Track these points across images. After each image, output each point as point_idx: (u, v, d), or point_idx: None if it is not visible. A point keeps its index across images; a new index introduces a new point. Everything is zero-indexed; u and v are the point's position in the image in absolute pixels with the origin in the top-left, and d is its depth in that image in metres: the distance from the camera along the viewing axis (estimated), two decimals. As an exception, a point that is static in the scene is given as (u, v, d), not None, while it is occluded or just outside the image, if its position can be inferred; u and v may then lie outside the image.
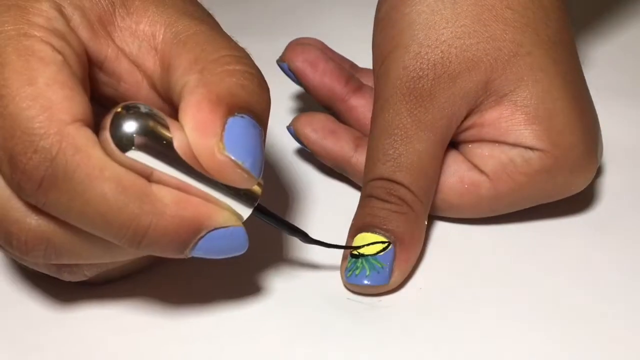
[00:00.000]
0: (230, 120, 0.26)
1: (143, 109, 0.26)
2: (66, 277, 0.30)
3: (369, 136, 0.35)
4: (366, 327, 0.31)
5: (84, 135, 0.26)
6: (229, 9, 0.54)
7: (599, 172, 0.39)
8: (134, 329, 0.31)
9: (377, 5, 0.37)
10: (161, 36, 0.28)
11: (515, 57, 0.34)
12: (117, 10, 0.28)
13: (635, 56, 0.49)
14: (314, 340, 0.31)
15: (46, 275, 0.30)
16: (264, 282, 0.33)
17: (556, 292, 0.33)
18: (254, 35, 0.51)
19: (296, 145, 0.40)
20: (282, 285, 0.33)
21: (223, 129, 0.26)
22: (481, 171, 0.34)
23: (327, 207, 0.37)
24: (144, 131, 0.26)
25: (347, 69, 0.39)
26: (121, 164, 0.26)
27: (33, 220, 0.27)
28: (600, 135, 0.36)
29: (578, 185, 0.35)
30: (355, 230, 0.33)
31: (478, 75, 0.34)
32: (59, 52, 0.26)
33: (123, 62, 0.29)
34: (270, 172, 0.40)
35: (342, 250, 0.33)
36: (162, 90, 0.29)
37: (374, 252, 0.32)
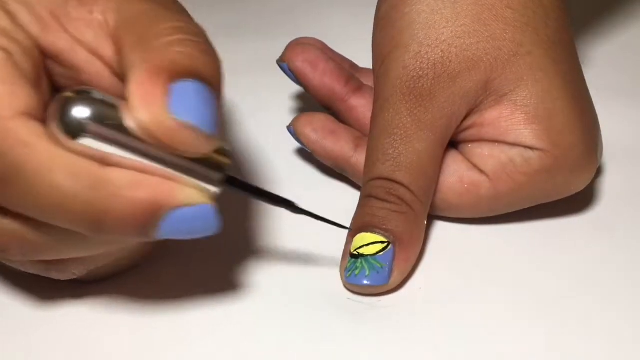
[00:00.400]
0: (174, 86, 0.25)
1: (93, 94, 0.26)
2: (55, 275, 0.30)
3: (369, 136, 0.35)
4: (366, 327, 0.31)
5: (29, 128, 0.25)
6: (228, 9, 0.54)
7: (598, 172, 0.39)
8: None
9: (377, 5, 0.37)
10: (112, 22, 0.28)
11: (515, 57, 0.34)
12: (68, 2, 0.28)
13: (635, 56, 0.49)
14: (314, 340, 0.31)
15: (33, 275, 0.30)
16: (263, 281, 0.33)
17: (556, 292, 0.33)
18: (254, 35, 0.51)
19: (296, 145, 0.40)
20: (281, 285, 0.33)
21: (166, 94, 0.25)
22: (481, 171, 0.34)
23: (327, 207, 0.37)
24: (94, 116, 0.25)
25: (347, 69, 0.39)
26: (73, 152, 0.25)
27: (4, 220, 0.27)
28: (600, 135, 0.36)
29: (578, 185, 0.35)
30: (354, 230, 0.33)
31: (478, 75, 0.34)
32: (2, 50, 0.26)
33: (80, 53, 0.28)
34: (270, 172, 0.40)
35: (342, 249, 0.33)
36: (123, 77, 0.28)
37: (374, 252, 0.32)
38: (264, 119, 0.43)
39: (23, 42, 0.27)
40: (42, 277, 0.30)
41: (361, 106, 0.38)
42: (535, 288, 0.33)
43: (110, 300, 0.32)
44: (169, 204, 0.26)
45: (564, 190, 0.35)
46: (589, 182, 0.35)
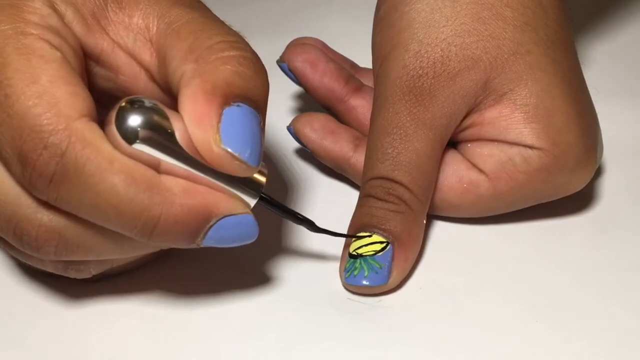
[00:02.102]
0: (227, 110, 0.26)
1: (147, 103, 0.27)
2: (73, 274, 0.30)
3: (368, 135, 0.35)
4: (366, 327, 0.31)
5: (92, 130, 0.26)
6: (229, 9, 0.54)
7: (598, 171, 0.39)
8: (136, 323, 0.31)
9: (377, 5, 0.37)
10: (155, 28, 0.29)
11: (514, 56, 0.34)
12: (109, 4, 0.29)
13: (635, 56, 0.49)
14: (314, 340, 0.31)
15: (45, 272, 0.30)
16: (263, 282, 0.33)
17: (556, 292, 0.33)
18: (254, 36, 0.51)
19: (296, 145, 0.40)
20: (281, 285, 0.33)
21: (219, 120, 0.26)
22: (480, 170, 0.34)
23: (327, 207, 0.37)
24: (148, 124, 0.26)
25: (347, 69, 0.39)
26: (129, 156, 0.26)
27: (44, 216, 0.27)
28: (600, 134, 0.36)
29: (577, 184, 0.35)
30: (353, 230, 0.33)
31: (477, 74, 0.34)
32: (57, 49, 0.26)
33: (120, 55, 0.29)
34: (271, 171, 0.40)
35: (341, 249, 0.33)
36: (161, 82, 0.29)
37: (372, 252, 0.32)
38: (264, 119, 0.43)
39: (72, 42, 0.27)
40: (49, 273, 0.30)
41: (361, 106, 0.38)
42: (536, 288, 0.33)
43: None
44: (219, 212, 0.27)
45: (563, 190, 0.35)
46: (589, 181, 0.35)
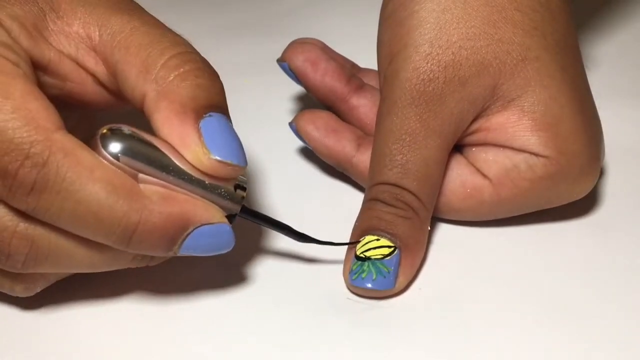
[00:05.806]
0: (202, 123, 0.28)
1: (124, 130, 0.28)
2: (18, 292, 0.30)
3: (375, 137, 0.35)
4: (366, 327, 0.31)
5: (71, 140, 0.27)
6: (229, 10, 0.54)
7: (599, 173, 0.39)
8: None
9: (383, 3, 0.37)
10: (97, 38, 0.30)
11: (523, 62, 0.33)
12: (47, 15, 0.29)
13: (635, 56, 0.49)
14: (313, 340, 0.31)
15: None
16: (262, 281, 0.33)
17: (557, 293, 0.33)
18: (255, 36, 0.51)
19: (297, 143, 0.40)
20: (281, 284, 0.33)
21: (200, 135, 0.28)
22: (484, 176, 0.34)
23: (328, 206, 0.37)
24: (126, 151, 0.27)
25: (348, 68, 0.39)
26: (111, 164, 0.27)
27: (21, 223, 0.27)
28: (603, 141, 0.36)
29: (580, 193, 0.35)
30: (360, 232, 0.33)
31: (487, 79, 0.33)
32: (16, 65, 0.27)
33: (66, 62, 0.30)
34: (270, 172, 0.40)
35: (344, 250, 0.33)
36: (111, 87, 0.30)
37: (380, 255, 0.32)
38: (264, 119, 0.43)
39: (23, 56, 0.28)
40: None
41: (363, 105, 0.38)
42: (536, 290, 0.33)
43: (111, 298, 0.32)
44: (195, 220, 0.28)
45: (565, 197, 0.35)
46: (591, 189, 0.35)
